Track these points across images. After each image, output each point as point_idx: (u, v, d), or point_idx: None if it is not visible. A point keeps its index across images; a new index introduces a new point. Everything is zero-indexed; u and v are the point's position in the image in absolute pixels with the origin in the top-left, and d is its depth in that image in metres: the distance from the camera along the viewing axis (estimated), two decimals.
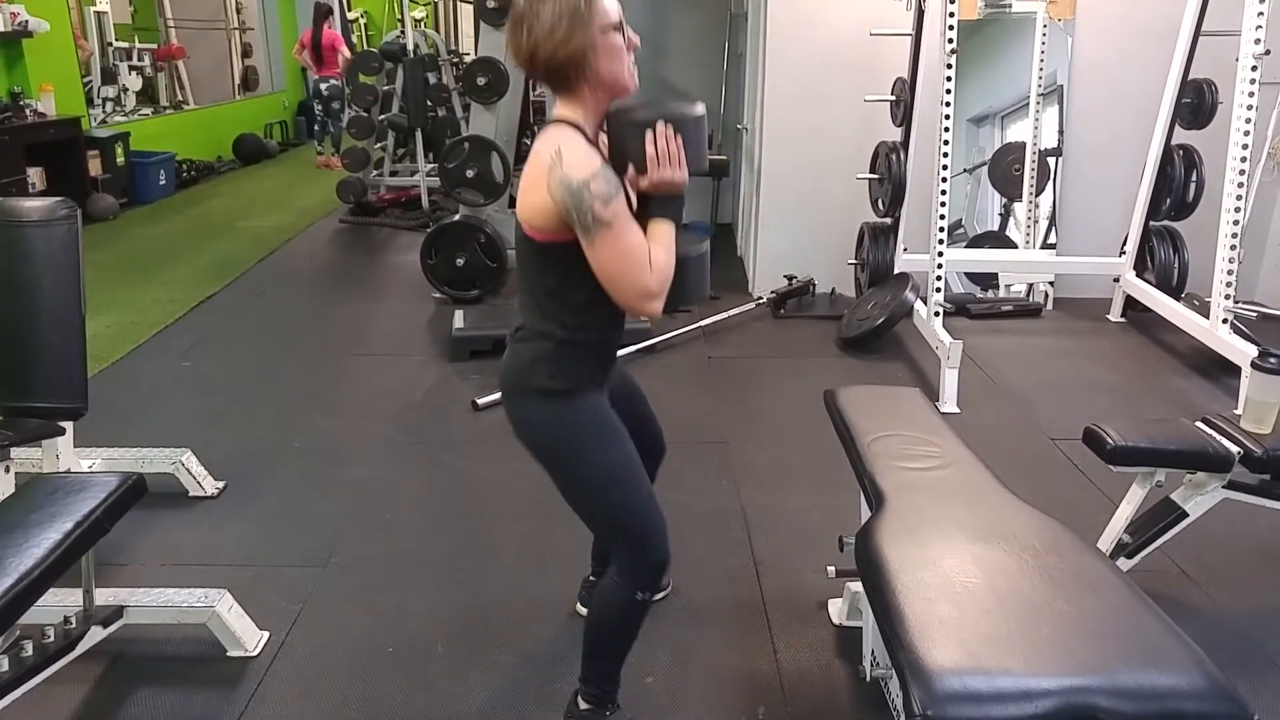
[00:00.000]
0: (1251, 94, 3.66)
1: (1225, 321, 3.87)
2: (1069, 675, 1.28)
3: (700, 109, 1.69)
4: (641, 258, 1.61)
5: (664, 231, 1.67)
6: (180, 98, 10.29)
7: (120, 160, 7.66)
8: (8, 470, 2.35)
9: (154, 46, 9.93)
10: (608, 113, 1.68)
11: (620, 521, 1.81)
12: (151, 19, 10.40)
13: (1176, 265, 4.64)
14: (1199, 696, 1.26)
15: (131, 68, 9.22)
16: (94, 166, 7.34)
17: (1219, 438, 2.32)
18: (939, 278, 4.07)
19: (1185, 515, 2.38)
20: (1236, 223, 3.79)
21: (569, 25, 1.58)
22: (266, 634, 2.29)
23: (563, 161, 1.56)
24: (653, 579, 1.82)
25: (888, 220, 4.73)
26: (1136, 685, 1.27)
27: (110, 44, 9.14)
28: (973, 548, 1.60)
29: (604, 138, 1.70)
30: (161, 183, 8.16)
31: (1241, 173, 3.74)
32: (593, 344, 1.78)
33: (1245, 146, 3.71)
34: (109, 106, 8.75)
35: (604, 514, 1.83)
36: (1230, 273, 3.83)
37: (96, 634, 2.03)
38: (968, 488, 1.86)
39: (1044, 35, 4.90)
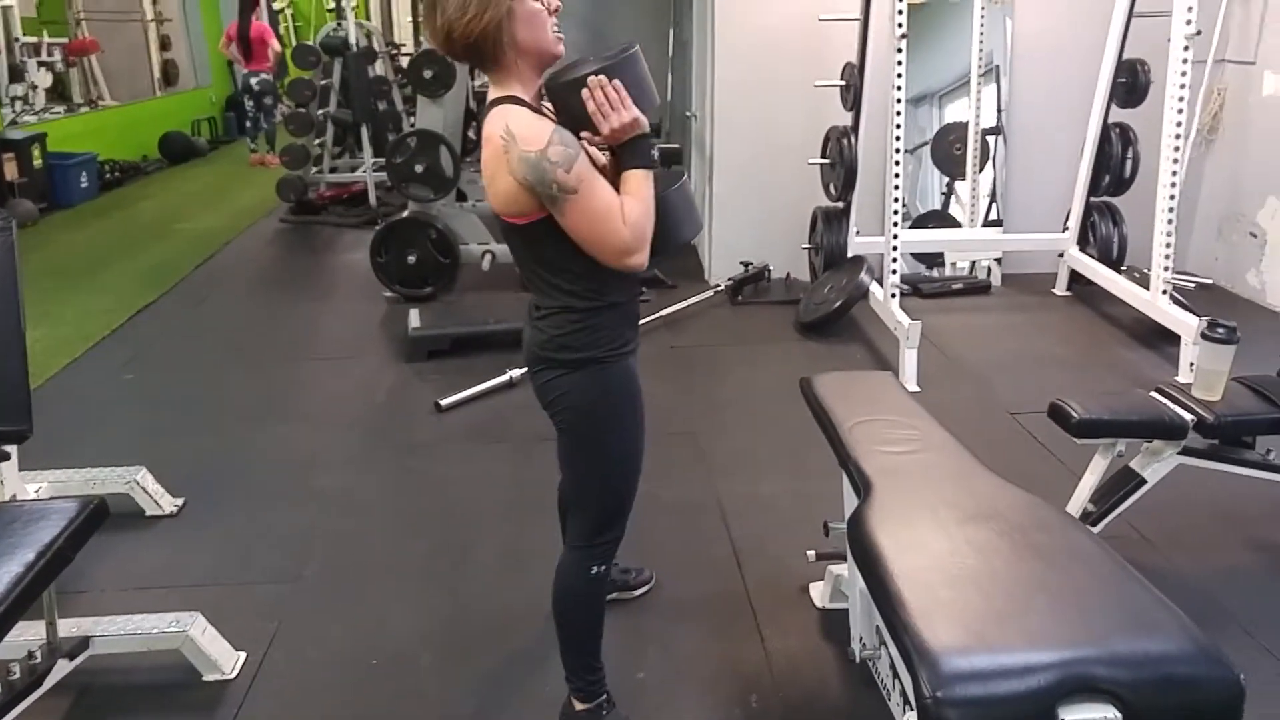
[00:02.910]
0: (1184, 73, 3.78)
1: (1165, 293, 3.99)
2: (1067, 648, 1.31)
3: (630, 48, 1.62)
4: (613, 215, 1.58)
5: (636, 181, 1.62)
6: (95, 94, 9.90)
7: (38, 163, 7.37)
8: None
9: (65, 41, 9.52)
10: (543, 85, 1.64)
11: (615, 493, 1.82)
12: (59, 11, 9.94)
13: (1116, 239, 4.77)
14: (1190, 661, 1.30)
15: (41, 64, 8.83)
16: (9, 170, 7.06)
17: (1174, 406, 2.41)
18: (894, 259, 4.11)
19: (1144, 482, 2.47)
20: (1173, 197, 3.91)
21: (479, 0, 1.54)
22: (243, 654, 2.22)
23: (515, 138, 1.53)
24: (610, 553, 1.85)
25: (840, 204, 4.76)
26: (1131, 653, 1.31)
27: (16, 39, 8.72)
28: (963, 529, 1.62)
29: (548, 109, 1.67)
30: (84, 185, 7.85)
31: (1176, 149, 3.85)
32: (612, 306, 1.72)
33: (1179, 124, 3.83)
34: (18, 106, 8.38)
35: (606, 483, 1.82)
36: (1168, 245, 3.96)
37: (63, 667, 1.95)
38: (950, 469, 1.89)
39: (983, 17, 4.98)
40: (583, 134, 1.60)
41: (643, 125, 1.61)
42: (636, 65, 1.61)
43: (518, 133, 1.54)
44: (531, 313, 1.78)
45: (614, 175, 1.65)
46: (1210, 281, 5.07)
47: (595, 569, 1.83)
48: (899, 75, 3.85)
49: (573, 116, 1.60)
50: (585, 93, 1.55)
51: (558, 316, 1.71)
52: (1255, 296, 4.84)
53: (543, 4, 1.61)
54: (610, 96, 1.56)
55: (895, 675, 1.79)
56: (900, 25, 3.78)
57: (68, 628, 2.04)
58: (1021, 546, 1.56)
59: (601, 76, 1.55)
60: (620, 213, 1.58)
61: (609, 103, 1.56)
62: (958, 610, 1.41)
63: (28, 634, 1.97)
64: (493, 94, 1.65)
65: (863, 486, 1.83)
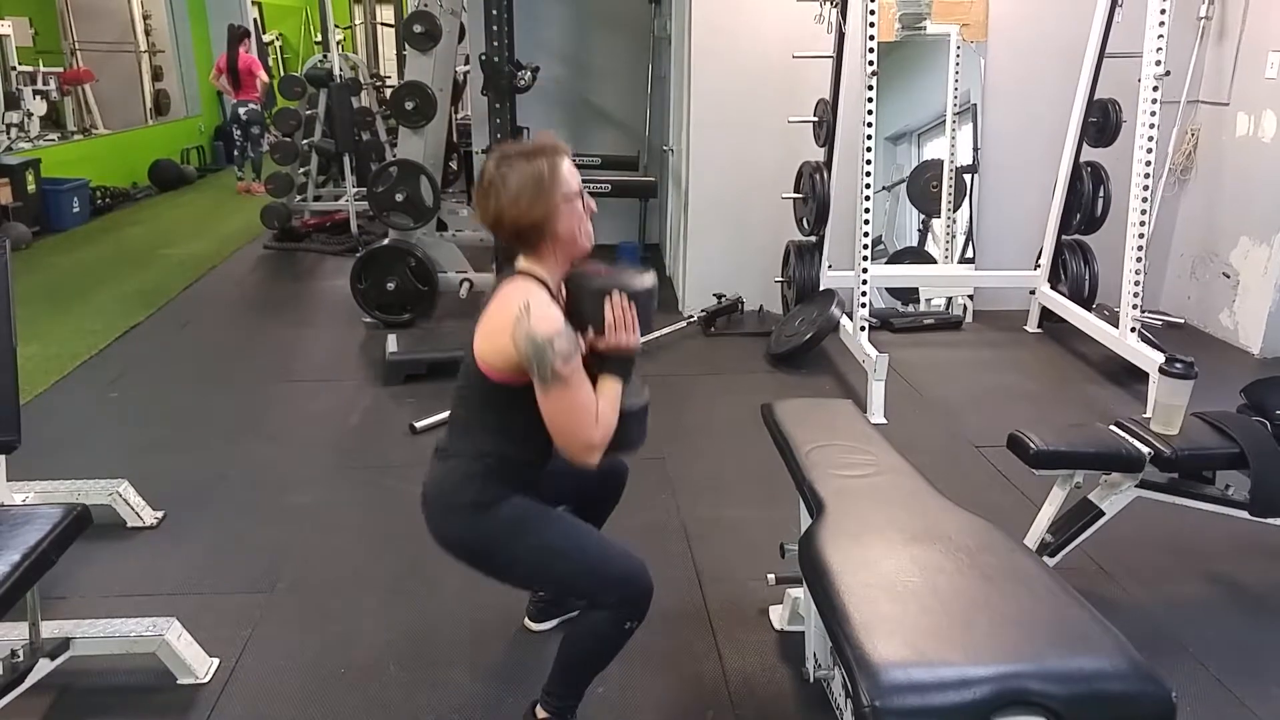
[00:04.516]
0: (1153, 113, 3.88)
1: (1134, 331, 4.06)
2: (1003, 663, 1.35)
3: (651, 279, 1.87)
4: (589, 414, 1.74)
5: (613, 389, 1.80)
6: (89, 122, 10.01)
7: (31, 188, 7.46)
8: None
9: (60, 70, 9.64)
10: (568, 278, 1.84)
11: (589, 584, 1.87)
12: (54, 41, 10.09)
13: (1087, 277, 4.83)
14: (1123, 678, 1.34)
15: (36, 92, 8.92)
16: (4, 194, 7.16)
17: (1131, 440, 2.45)
18: (864, 294, 4.19)
19: (1102, 514, 2.51)
20: (1142, 236, 3.99)
21: (532, 193, 1.74)
22: (217, 660, 2.27)
23: (530, 315, 1.68)
24: (641, 611, 1.87)
25: (812, 238, 4.84)
26: (1065, 669, 1.35)
27: (13, 68, 8.85)
28: (910, 549, 1.67)
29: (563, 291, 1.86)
30: (75, 210, 7.93)
31: (1145, 188, 3.94)
32: (525, 465, 1.88)
33: (1148, 163, 3.91)
34: (13, 132, 8.47)
35: (567, 585, 1.93)
36: (1137, 284, 4.03)
37: (44, 667, 2.00)
38: (902, 492, 1.94)
39: (958, 56, 5.08)
40: (586, 335, 1.79)
41: (637, 350, 1.82)
42: (650, 297, 1.88)
43: (535, 311, 1.69)
44: (439, 452, 1.91)
45: (591, 372, 1.79)
46: (1182, 321, 5.15)
47: (629, 625, 1.87)
48: (870, 112, 3.95)
49: (585, 315, 1.81)
50: (607, 303, 1.77)
51: (468, 462, 1.84)
52: (1228, 337, 4.89)
53: (584, 206, 1.82)
54: (626, 316, 1.78)
55: (848, 694, 1.83)
56: (871, 63, 3.88)
57: (50, 629, 2.10)
58: (966, 567, 1.61)
59: (624, 297, 1.78)
60: (594, 412, 1.74)
61: (623, 320, 1.78)
62: (900, 625, 1.45)
63: (11, 634, 2.03)
64: (521, 266, 1.84)
65: (816, 507, 1.88)
